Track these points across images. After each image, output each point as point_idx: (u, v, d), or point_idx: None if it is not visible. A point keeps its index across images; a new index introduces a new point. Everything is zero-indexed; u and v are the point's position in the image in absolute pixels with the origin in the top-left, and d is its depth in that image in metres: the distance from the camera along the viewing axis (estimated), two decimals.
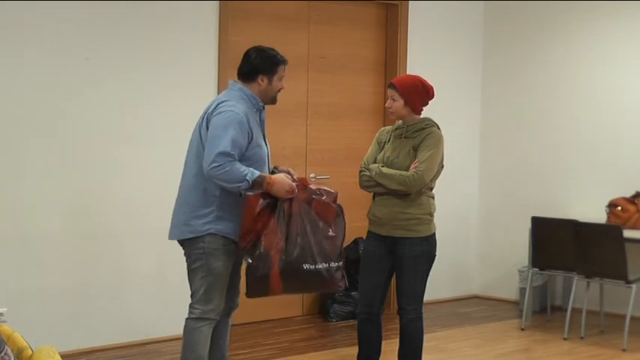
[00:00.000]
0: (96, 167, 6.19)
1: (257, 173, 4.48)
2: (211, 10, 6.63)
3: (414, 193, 5.01)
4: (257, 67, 4.68)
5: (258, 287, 4.55)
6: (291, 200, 4.55)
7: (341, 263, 4.65)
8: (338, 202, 4.70)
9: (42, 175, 5.97)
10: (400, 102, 5.06)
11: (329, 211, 4.63)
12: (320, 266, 4.56)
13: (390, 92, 5.10)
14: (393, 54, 7.77)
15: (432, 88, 5.11)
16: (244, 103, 4.63)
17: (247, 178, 4.44)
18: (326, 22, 7.43)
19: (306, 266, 4.52)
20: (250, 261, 4.48)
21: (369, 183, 5.13)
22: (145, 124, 6.39)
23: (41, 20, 5.90)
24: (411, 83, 5.09)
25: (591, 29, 7.84)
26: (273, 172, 4.80)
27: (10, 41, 5.82)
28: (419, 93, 5.07)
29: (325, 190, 4.70)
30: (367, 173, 5.13)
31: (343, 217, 4.69)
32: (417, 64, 7.67)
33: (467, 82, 8.38)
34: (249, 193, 4.50)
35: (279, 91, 4.76)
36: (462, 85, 8.32)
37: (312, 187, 4.68)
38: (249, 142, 4.56)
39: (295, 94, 7.24)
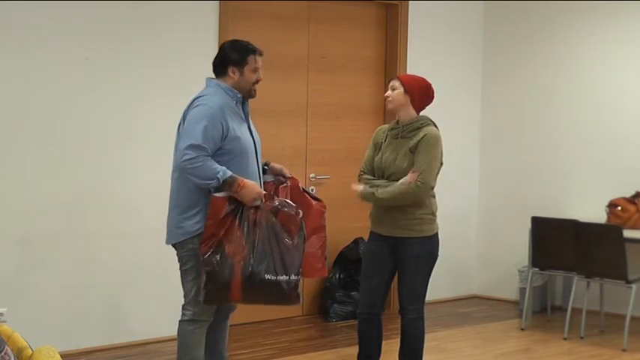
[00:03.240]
0: (96, 167, 6.19)
1: (229, 173, 4.44)
2: (211, 10, 6.63)
3: None
4: (226, 58, 4.64)
5: (218, 294, 4.49)
6: (257, 208, 4.50)
7: (299, 277, 4.59)
8: (300, 217, 4.62)
9: (42, 175, 5.97)
10: (400, 90, 5.04)
11: (293, 223, 4.58)
12: (281, 278, 4.49)
13: (392, 83, 5.11)
14: (393, 54, 7.77)
15: (433, 92, 5.12)
16: (220, 97, 4.59)
17: (219, 176, 4.41)
18: (326, 22, 7.43)
19: (268, 276, 4.46)
20: (210, 267, 4.42)
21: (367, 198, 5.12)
22: (145, 124, 6.39)
23: (41, 20, 5.90)
24: (416, 78, 5.14)
25: (591, 29, 7.84)
26: (264, 169, 4.81)
27: (10, 41, 5.82)
28: (421, 89, 5.07)
29: (287, 202, 4.64)
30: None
31: (304, 231, 4.63)
32: (417, 64, 7.67)
33: (467, 82, 8.38)
34: (215, 195, 4.44)
35: (255, 83, 4.68)
36: (462, 85, 8.32)
37: (278, 198, 4.64)
38: (226, 136, 4.51)
39: (295, 94, 7.25)
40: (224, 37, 6.59)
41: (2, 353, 3.79)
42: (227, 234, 4.43)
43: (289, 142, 7.21)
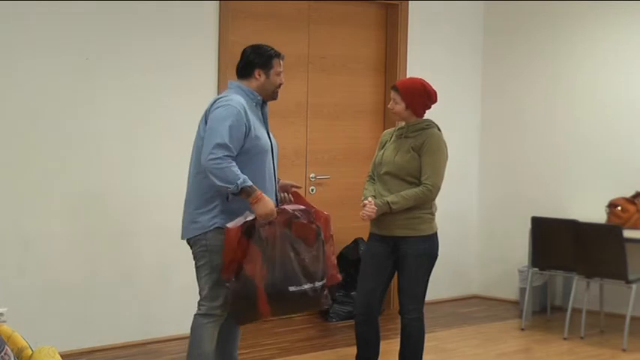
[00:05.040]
0: (97, 167, 6.18)
1: (250, 183, 4.46)
2: (211, 10, 6.63)
3: None
4: (253, 61, 4.72)
5: (248, 314, 4.56)
6: (269, 223, 4.50)
7: (325, 282, 4.64)
8: (315, 223, 4.64)
9: (43, 174, 5.97)
10: (402, 105, 5.06)
11: (309, 231, 4.60)
12: (305, 287, 4.54)
13: (393, 95, 5.11)
14: (393, 54, 7.77)
15: (434, 92, 5.10)
16: (242, 97, 4.65)
17: (239, 182, 4.42)
18: (326, 22, 7.43)
19: (292, 288, 4.50)
20: (235, 290, 4.45)
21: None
22: (145, 124, 6.38)
23: (41, 20, 5.90)
24: (414, 87, 5.08)
25: (591, 29, 7.84)
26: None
27: (10, 41, 5.81)
28: (421, 97, 5.06)
29: (301, 210, 4.65)
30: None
31: (322, 236, 4.65)
32: (417, 64, 7.67)
33: (467, 82, 8.37)
34: (228, 226, 4.45)
35: (278, 86, 4.78)
36: (462, 85, 8.32)
37: (289, 208, 4.63)
38: (247, 135, 4.56)
39: (295, 94, 7.24)
40: (224, 37, 6.61)
41: (2, 353, 3.79)
42: (244, 255, 4.45)
43: (289, 142, 7.21)
